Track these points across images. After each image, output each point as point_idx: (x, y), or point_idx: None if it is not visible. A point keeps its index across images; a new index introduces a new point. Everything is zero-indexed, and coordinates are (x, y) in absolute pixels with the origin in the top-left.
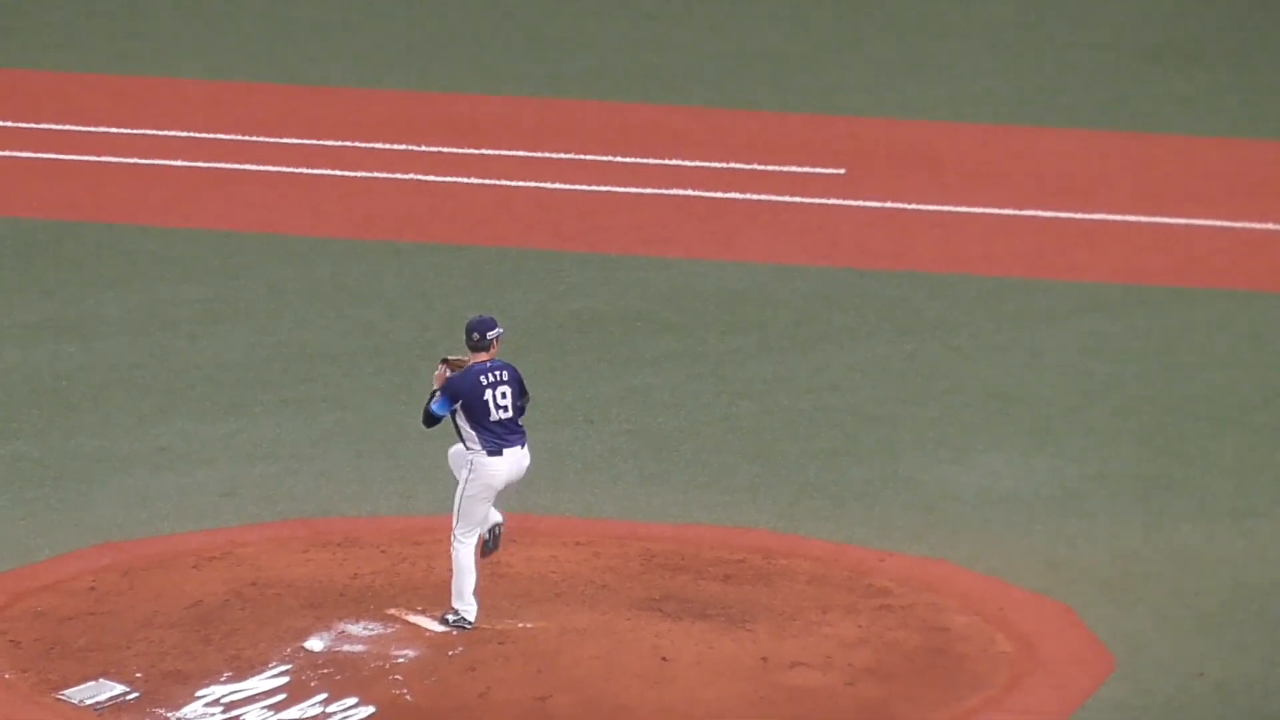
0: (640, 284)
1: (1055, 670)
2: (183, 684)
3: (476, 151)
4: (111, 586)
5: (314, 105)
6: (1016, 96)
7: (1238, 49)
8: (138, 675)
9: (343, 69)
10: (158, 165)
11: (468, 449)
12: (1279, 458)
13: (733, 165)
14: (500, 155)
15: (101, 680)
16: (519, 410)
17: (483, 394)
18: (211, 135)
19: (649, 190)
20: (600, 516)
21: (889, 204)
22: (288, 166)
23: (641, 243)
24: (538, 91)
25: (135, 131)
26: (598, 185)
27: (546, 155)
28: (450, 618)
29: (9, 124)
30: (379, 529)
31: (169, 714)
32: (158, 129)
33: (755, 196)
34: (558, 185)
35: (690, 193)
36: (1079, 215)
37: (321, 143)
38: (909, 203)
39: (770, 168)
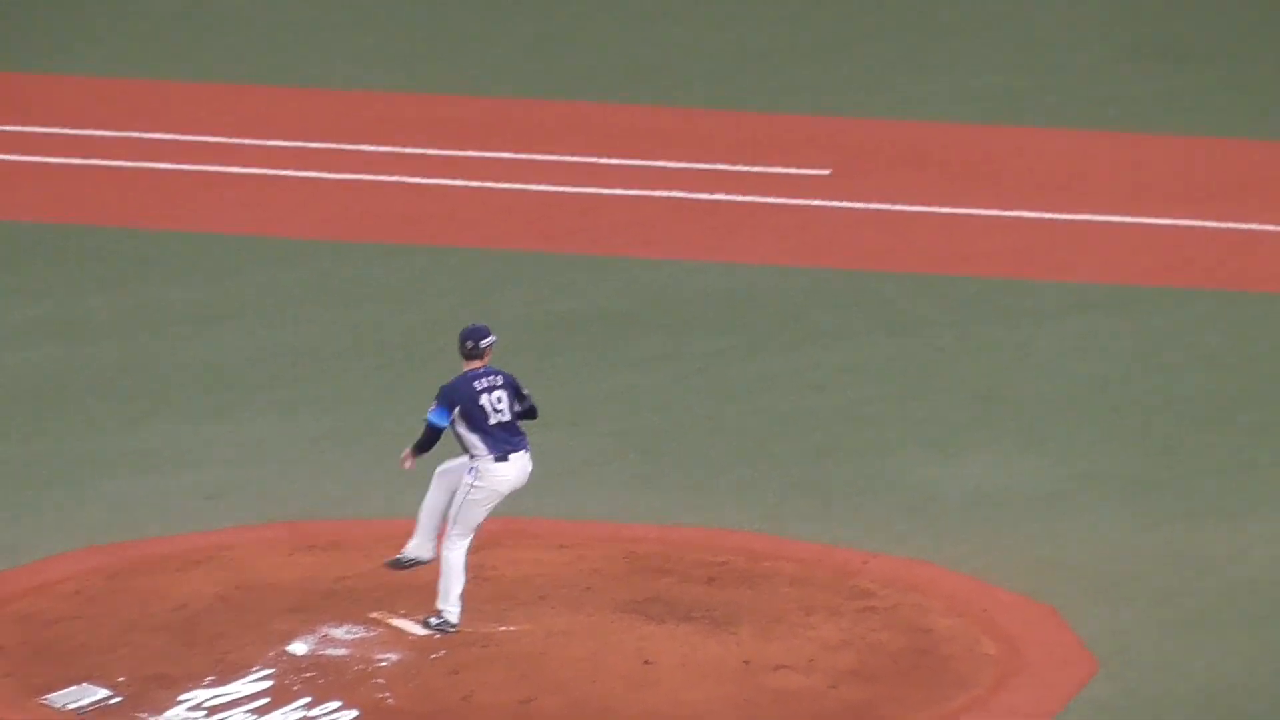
0: (628, 285)
1: (1040, 671)
2: (166, 688)
3: (465, 153)
4: (97, 589)
5: (301, 107)
6: (1004, 96)
7: (1226, 48)
8: (121, 679)
9: (330, 70)
10: (144, 168)
11: (473, 457)
12: (1265, 458)
13: (720, 166)
14: (488, 157)
15: (85, 684)
16: (520, 414)
17: (478, 398)
18: (199, 138)
19: (637, 191)
20: (585, 518)
21: (876, 204)
22: (275, 169)
23: (629, 244)
24: (526, 93)
25: (122, 134)
26: (585, 187)
27: (534, 157)
28: (434, 621)
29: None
30: (365, 532)
31: (151, 718)
32: (144, 131)
33: (743, 198)
34: (546, 187)
35: (678, 194)
36: (1067, 215)
37: (309, 144)
38: (896, 203)
39: (758, 169)
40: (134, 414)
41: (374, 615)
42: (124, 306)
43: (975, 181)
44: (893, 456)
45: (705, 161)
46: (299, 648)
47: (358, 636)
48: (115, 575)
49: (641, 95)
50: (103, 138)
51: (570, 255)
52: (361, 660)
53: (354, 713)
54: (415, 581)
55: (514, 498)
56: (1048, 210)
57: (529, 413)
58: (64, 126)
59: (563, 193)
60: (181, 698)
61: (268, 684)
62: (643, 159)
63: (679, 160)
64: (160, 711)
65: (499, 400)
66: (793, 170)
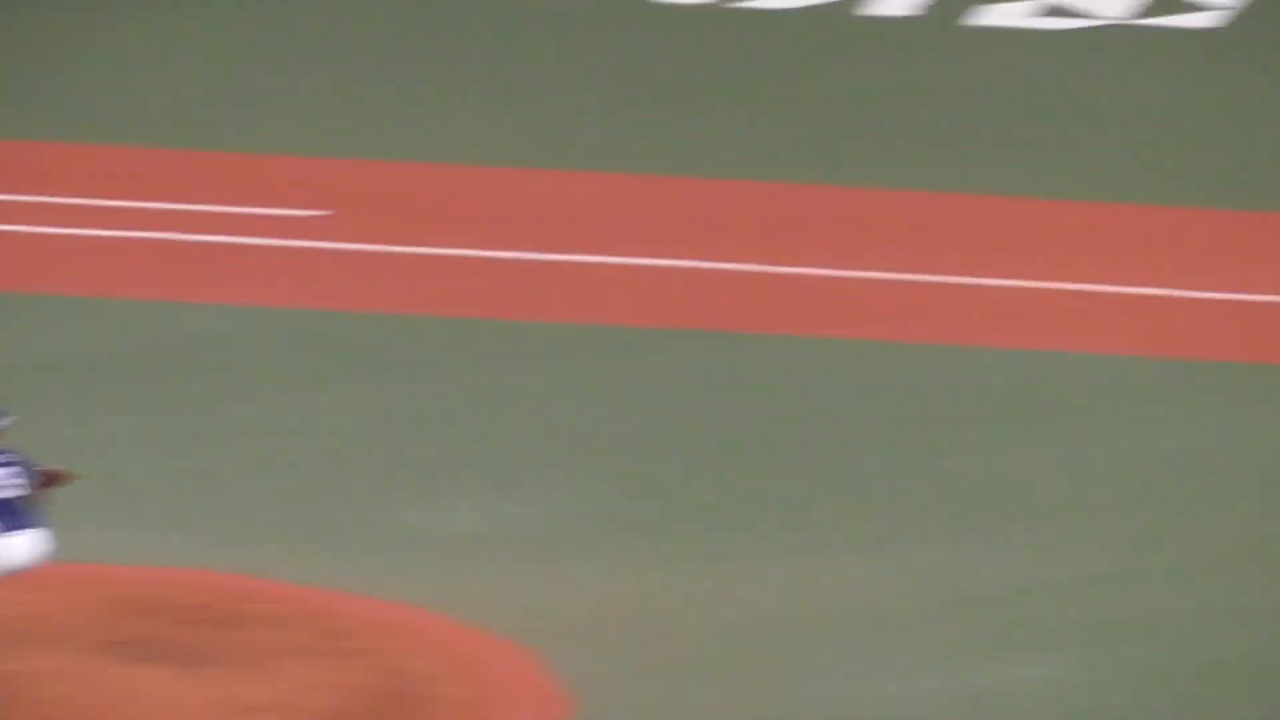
0: (114, 328)
1: (513, 714)
2: None
3: None
4: None
5: None
6: (495, 139)
7: (725, 91)
8: None
9: None
10: None
11: None
12: (747, 501)
13: (210, 208)
14: None
15: None
16: (33, 489)
17: None
18: None
19: (123, 233)
20: (68, 560)
21: (368, 246)
22: None
23: (117, 285)
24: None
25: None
26: (67, 228)
27: (18, 198)
28: None
29: None
30: None
31: None
32: None
33: (236, 239)
34: (29, 228)
35: (167, 235)
36: (550, 256)
37: None
38: (388, 245)
39: (253, 210)
40: None
41: None
42: None
43: (462, 223)
44: (378, 500)
45: (195, 203)
46: None
47: None
48: None
49: (130, 137)
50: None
51: (59, 297)
52: None
53: None
54: None
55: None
56: (532, 251)
57: (45, 483)
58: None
59: (45, 234)
60: None
61: None
62: (129, 200)
63: (167, 201)
64: None
65: (6, 477)
66: (290, 212)
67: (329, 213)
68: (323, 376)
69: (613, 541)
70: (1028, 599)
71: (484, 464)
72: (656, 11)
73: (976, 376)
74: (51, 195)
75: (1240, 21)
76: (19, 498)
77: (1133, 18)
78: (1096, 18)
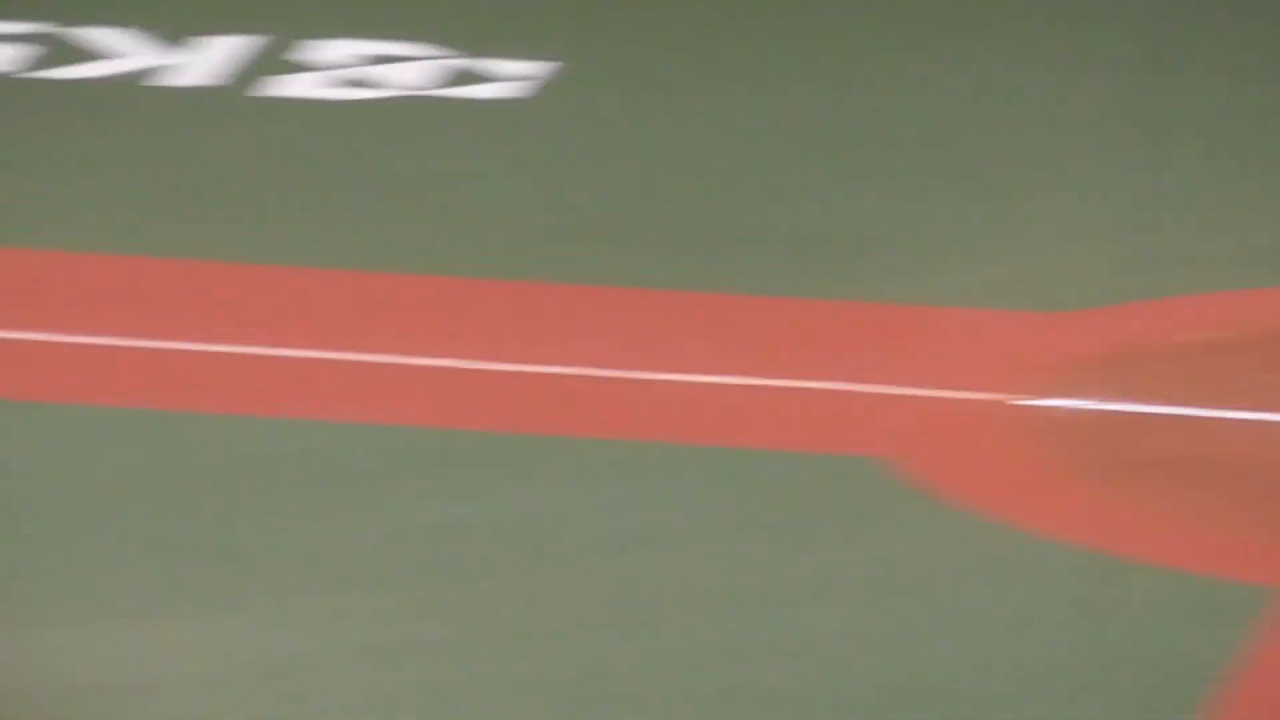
0: None
1: None
2: None
3: None
4: None
5: None
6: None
7: None
8: None
9: None
10: None
11: None
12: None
13: None
14: None
15: None
16: None
17: None
18: None
19: None
20: None
21: None
22: None
23: None
24: None
25: None
26: None
27: None
28: None
29: None
30: None
31: None
32: None
33: None
34: None
35: None
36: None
37: None
38: None
39: None
40: None
41: None
42: None
43: None
44: None
45: None
46: None
47: None
48: None
49: None
50: None
51: None
52: None
53: None
54: None
55: None
56: None
57: None
58: None
59: None
60: None
61: None
62: None
63: None
64: None
65: None
66: None
67: None
68: None
69: None
70: (309, 670)
71: None
72: None
73: (254, 445)
74: None
75: (543, 93)
76: None
77: (431, 88)
78: (393, 87)
